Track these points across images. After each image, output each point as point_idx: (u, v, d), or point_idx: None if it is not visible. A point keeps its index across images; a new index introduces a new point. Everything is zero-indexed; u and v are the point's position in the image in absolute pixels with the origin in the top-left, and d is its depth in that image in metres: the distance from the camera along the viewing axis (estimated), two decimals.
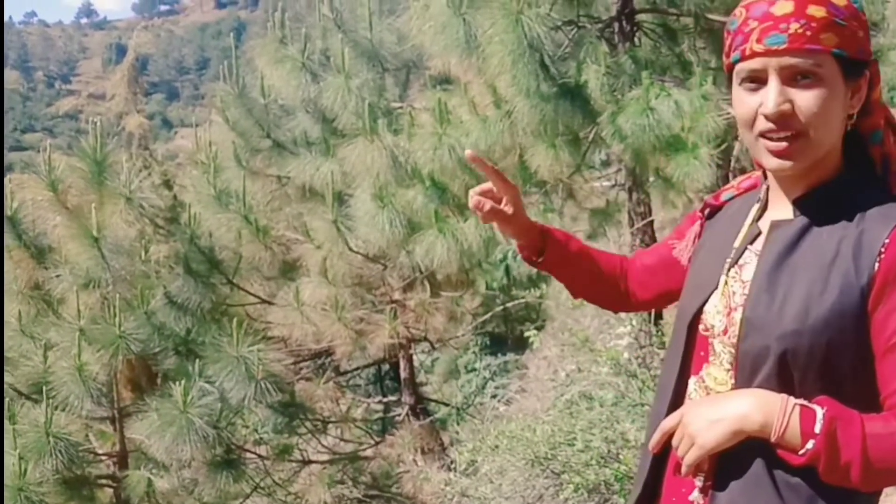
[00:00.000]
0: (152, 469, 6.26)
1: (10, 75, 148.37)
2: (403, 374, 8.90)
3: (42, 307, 6.32)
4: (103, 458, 6.62)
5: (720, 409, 1.41)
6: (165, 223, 6.94)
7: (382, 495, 8.20)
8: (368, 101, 6.38)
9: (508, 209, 1.87)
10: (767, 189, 1.58)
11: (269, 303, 7.54)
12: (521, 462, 4.86)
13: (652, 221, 6.71)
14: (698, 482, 1.53)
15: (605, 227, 8.78)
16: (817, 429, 1.32)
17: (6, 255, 6.28)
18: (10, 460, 5.46)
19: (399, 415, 8.90)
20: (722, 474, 1.49)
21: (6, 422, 5.52)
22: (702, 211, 1.78)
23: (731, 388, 1.50)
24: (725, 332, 1.52)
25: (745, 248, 1.56)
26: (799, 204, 1.49)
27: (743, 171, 6.00)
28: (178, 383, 5.86)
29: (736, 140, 6.15)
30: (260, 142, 7.68)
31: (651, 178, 6.54)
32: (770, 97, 1.40)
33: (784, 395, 1.37)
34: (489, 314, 9.90)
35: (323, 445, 8.46)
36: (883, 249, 1.37)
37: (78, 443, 5.90)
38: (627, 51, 6.06)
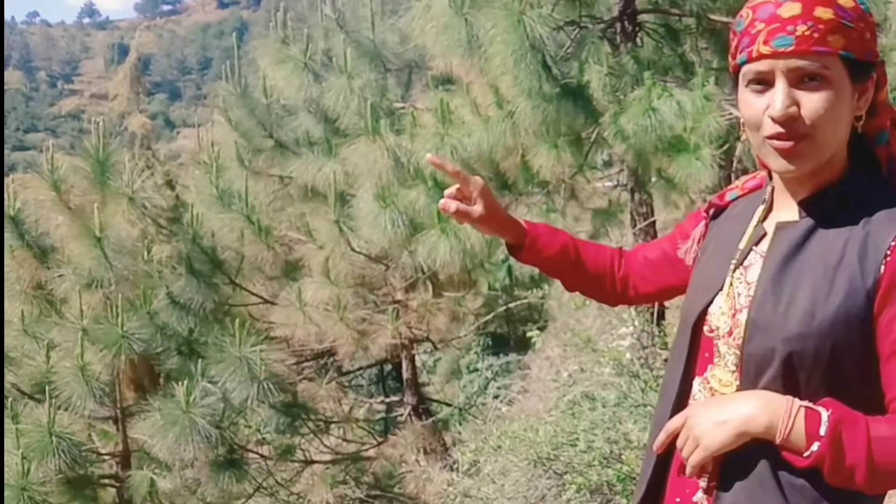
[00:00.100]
0: (155, 469, 6.26)
1: (13, 75, 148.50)
2: (406, 374, 8.90)
3: (45, 307, 6.32)
4: (106, 457, 6.62)
5: (725, 411, 1.41)
6: (168, 223, 6.94)
7: (385, 495, 8.20)
8: (371, 101, 6.37)
9: (477, 209, 1.90)
10: (773, 190, 1.58)
11: (272, 303, 7.55)
12: (523, 462, 4.87)
13: (654, 222, 6.70)
14: (702, 483, 1.52)
15: (608, 227, 8.78)
16: (822, 431, 1.32)
17: (9, 255, 6.27)
18: (13, 460, 5.47)
19: (401, 415, 8.90)
20: (726, 475, 1.48)
21: (9, 421, 5.52)
22: (706, 211, 1.77)
23: (736, 390, 1.50)
24: (730, 333, 1.52)
25: (751, 250, 1.56)
26: (805, 205, 1.49)
27: (745, 171, 5.99)
28: (180, 383, 5.86)
29: (738, 141, 6.13)
30: (262, 142, 7.69)
31: (653, 179, 6.54)
32: (777, 99, 1.39)
33: (789, 397, 1.37)
34: (491, 314, 9.90)
35: (325, 446, 8.45)
36: (889, 252, 1.37)
37: (81, 442, 5.90)
38: (629, 51, 6.05)
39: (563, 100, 5.57)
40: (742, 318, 1.49)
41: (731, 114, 5.49)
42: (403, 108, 7.11)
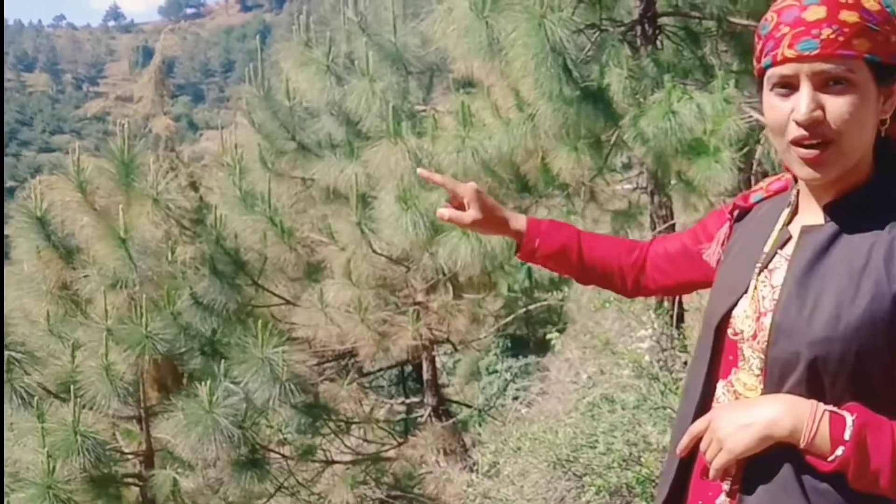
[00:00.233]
0: (178, 468, 6.27)
1: (40, 77, 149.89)
2: (426, 375, 8.90)
3: (70, 307, 6.32)
4: (130, 456, 6.63)
5: (749, 414, 1.40)
6: (191, 224, 6.96)
7: (405, 496, 8.19)
8: (392, 103, 6.38)
9: (470, 214, 1.99)
10: (798, 193, 1.57)
11: (294, 304, 7.56)
12: (543, 464, 4.86)
13: (674, 224, 6.67)
14: (725, 486, 1.51)
15: (627, 229, 8.75)
16: (847, 435, 1.31)
17: (35, 255, 6.30)
18: (38, 458, 5.48)
19: (421, 416, 8.90)
20: (750, 479, 1.47)
21: (35, 420, 5.55)
22: (730, 213, 1.76)
23: (760, 394, 1.48)
24: (755, 337, 1.51)
25: (776, 253, 1.54)
26: (830, 209, 1.47)
27: (765, 174, 5.96)
28: (203, 383, 5.87)
29: (758, 144, 6.10)
30: (285, 144, 7.72)
31: (673, 182, 6.51)
32: (802, 103, 1.38)
33: (813, 402, 1.36)
34: (511, 316, 9.88)
35: (346, 446, 8.46)
36: None
37: (105, 441, 5.91)
38: (649, 54, 6.03)
39: (583, 103, 5.56)
40: (766, 321, 1.47)
41: (750, 117, 5.47)
42: (425, 110, 7.12)
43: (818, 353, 1.38)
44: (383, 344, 7.40)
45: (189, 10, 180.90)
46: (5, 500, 5.49)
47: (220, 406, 5.88)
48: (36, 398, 5.72)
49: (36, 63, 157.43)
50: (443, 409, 8.92)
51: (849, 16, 1.36)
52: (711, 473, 1.45)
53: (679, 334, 5.82)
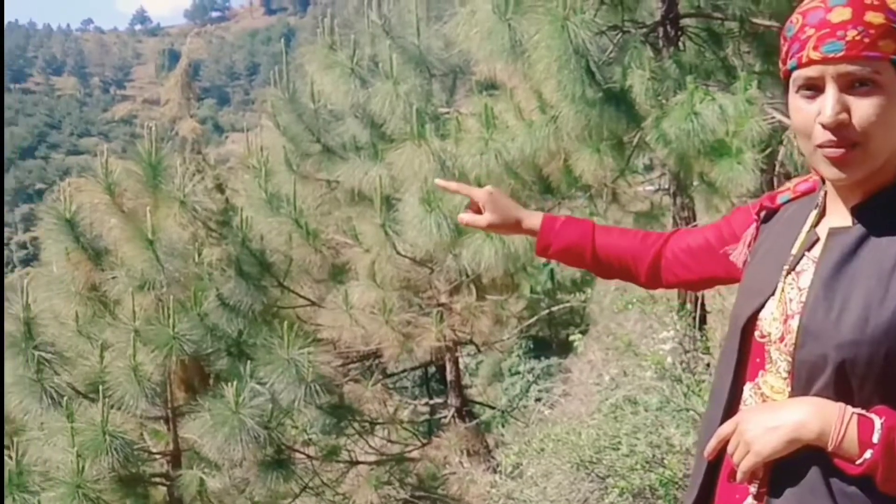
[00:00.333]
0: (204, 468, 6.28)
1: (68, 81, 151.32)
2: (449, 376, 8.91)
3: (99, 308, 6.33)
4: (157, 456, 6.65)
5: (777, 417, 1.40)
6: (218, 226, 6.97)
7: (429, 496, 8.19)
8: (416, 106, 6.39)
9: (485, 217, 2.10)
10: (825, 194, 1.55)
11: (319, 305, 7.58)
12: (566, 465, 4.85)
13: (696, 226, 6.65)
14: (753, 489, 1.50)
15: (650, 230, 8.71)
16: (875, 438, 1.30)
17: (64, 257, 6.34)
18: (68, 458, 5.51)
19: (445, 417, 8.91)
20: (777, 481, 1.46)
21: (64, 420, 5.59)
22: (757, 214, 1.74)
23: (788, 397, 1.47)
24: (782, 339, 1.49)
25: (803, 255, 1.53)
26: (857, 211, 1.46)
27: (787, 175, 5.93)
28: (230, 384, 5.88)
29: (781, 145, 6.07)
30: (310, 146, 7.75)
31: (695, 183, 6.49)
32: (827, 105, 1.37)
33: (841, 404, 1.35)
34: (535, 318, 9.88)
35: (371, 446, 8.47)
36: None
37: (133, 441, 5.93)
38: (672, 55, 6.01)
39: (605, 104, 5.55)
40: (794, 324, 1.46)
41: (773, 118, 5.44)
42: (448, 112, 7.13)
43: (846, 355, 1.36)
44: (407, 345, 7.41)
45: (214, 14, 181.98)
46: (37, 499, 5.52)
47: (246, 406, 5.88)
48: (65, 398, 5.75)
49: (64, 67, 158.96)
50: (466, 410, 8.93)
51: (874, 17, 1.35)
52: (739, 476, 1.44)
53: (702, 336, 5.80)
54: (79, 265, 6.27)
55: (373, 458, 8.38)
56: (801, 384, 1.44)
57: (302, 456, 7.45)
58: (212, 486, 6.29)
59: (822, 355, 1.39)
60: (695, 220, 6.66)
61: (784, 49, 1.47)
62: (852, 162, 1.39)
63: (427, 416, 9.75)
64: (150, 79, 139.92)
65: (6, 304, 6.12)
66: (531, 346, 13.92)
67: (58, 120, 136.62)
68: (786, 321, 1.49)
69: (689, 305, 6.03)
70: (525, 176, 6.55)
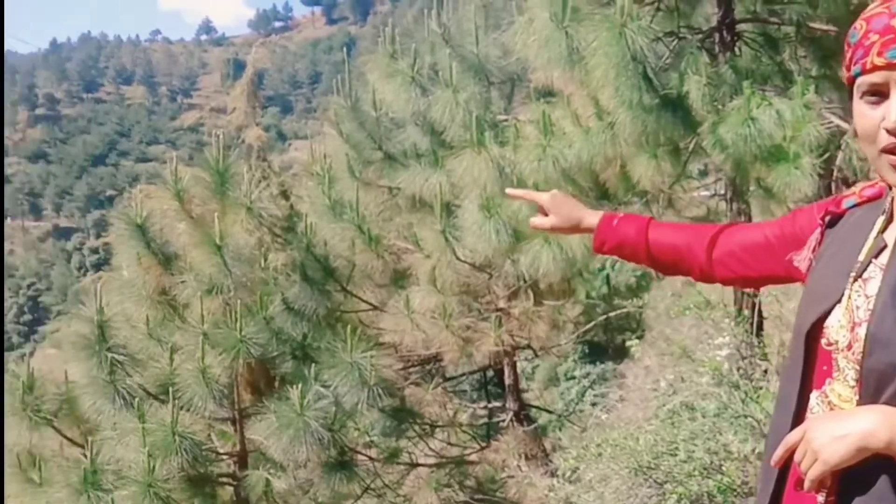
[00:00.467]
0: (270, 469, 6.32)
1: (137, 90, 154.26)
2: (508, 380, 8.90)
3: (168, 312, 6.41)
4: (224, 457, 6.70)
5: (845, 425, 1.37)
6: (283, 232, 7.04)
7: (487, 499, 8.18)
8: (475, 113, 6.41)
9: (549, 220, 2.18)
10: (893, 201, 1.53)
11: (381, 310, 7.61)
12: (624, 470, 4.83)
13: None
14: (820, 498, 1.48)
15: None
16: None
17: (135, 261, 6.40)
18: (139, 457, 5.59)
19: (503, 420, 8.90)
20: (845, 490, 1.44)
21: (136, 421, 5.67)
22: (822, 218, 1.71)
23: (856, 405, 1.45)
24: (850, 347, 1.47)
25: (870, 262, 1.51)
26: None
27: (845, 180, 5.85)
28: (295, 387, 5.93)
29: (838, 150, 5.98)
30: (372, 154, 7.80)
31: (752, 188, 6.42)
32: (892, 110, 1.36)
33: None
34: (592, 323, 9.84)
35: (431, 449, 8.48)
36: None
37: (201, 442, 6.00)
38: (728, 60, 5.97)
39: (662, 110, 5.53)
40: (861, 332, 1.44)
41: (831, 122, 5.37)
42: (506, 120, 7.14)
43: None
44: (467, 349, 7.43)
45: (277, 24, 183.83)
46: (110, 497, 5.62)
47: (310, 409, 5.92)
48: (137, 399, 5.83)
49: (134, 76, 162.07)
50: (524, 413, 8.92)
51: None
52: (806, 485, 1.42)
53: (759, 342, 5.72)
54: (149, 270, 6.35)
55: (432, 461, 8.39)
56: (870, 392, 1.42)
57: (364, 458, 7.47)
58: (277, 487, 6.32)
59: (891, 364, 1.37)
60: None
61: (848, 55, 1.46)
62: None
63: (485, 420, 9.74)
64: (215, 87, 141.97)
65: (81, 307, 6.25)
66: (586, 350, 13.87)
67: (127, 128, 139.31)
68: (853, 329, 1.47)
69: (746, 311, 5.97)
70: (582, 182, 6.54)
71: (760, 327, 6.12)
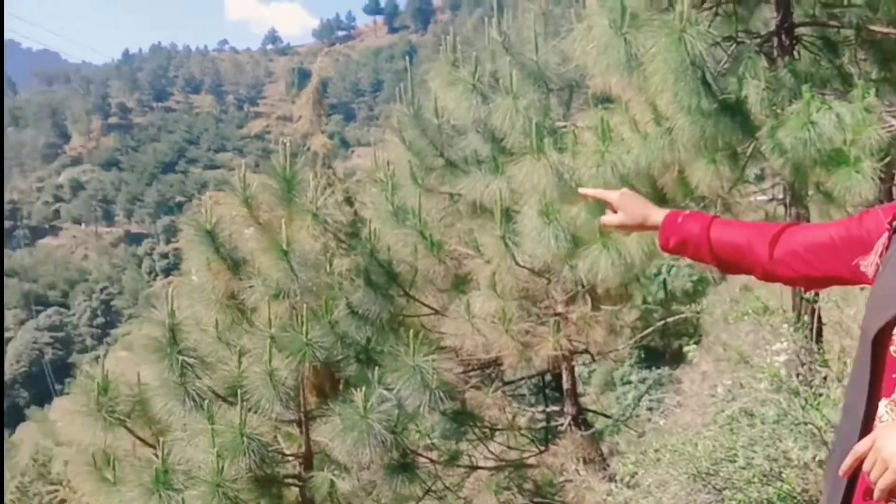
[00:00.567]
0: (334, 470, 6.34)
1: (205, 99, 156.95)
2: (566, 385, 8.87)
3: (237, 315, 6.48)
4: (290, 458, 6.74)
5: None
6: (347, 238, 7.07)
7: (546, 503, 8.17)
8: (535, 120, 6.41)
9: (619, 216, 2.20)
10: None
11: (443, 314, 7.62)
12: (682, 476, 4.79)
13: None
14: None
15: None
16: None
17: (205, 266, 6.47)
18: (209, 458, 5.67)
19: (561, 424, 8.87)
20: None
21: (205, 422, 5.74)
22: (890, 223, 1.68)
23: None
24: None
25: None
26: None
27: None
28: (359, 390, 5.96)
29: None
30: (434, 161, 7.82)
31: (811, 192, 6.33)
32: None
33: None
34: (651, 328, 9.75)
35: (490, 452, 8.46)
36: None
37: (268, 443, 6.05)
38: (787, 64, 5.89)
39: (720, 115, 5.48)
40: None
41: (892, 126, 5.28)
42: (565, 126, 7.13)
43: None
44: (526, 354, 7.42)
45: (340, 33, 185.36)
46: (181, 496, 5.69)
47: (374, 411, 5.93)
48: (206, 401, 5.91)
49: (202, 85, 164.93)
50: (581, 418, 8.88)
51: None
52: (876, 494, 1.40)
53: (819, 348, 5.62)
54: (218, 274, 6.43)
55: (492, 464, 8.36)
56: None
57: (425, 460, 7.45)
58: (341, 488, 6.34)
59: None
60: None
61: None
62: None
63: (543, 424, 9.71)
64: (280, 96, 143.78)
65: (152, 311, 6.34)
66: (643, 355, 13.76)
67: (196, 136, 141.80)
68: None
69: (805, 317, 5.88)
70: (640, 187, 6.49)
71: (820, 333, 6.01)
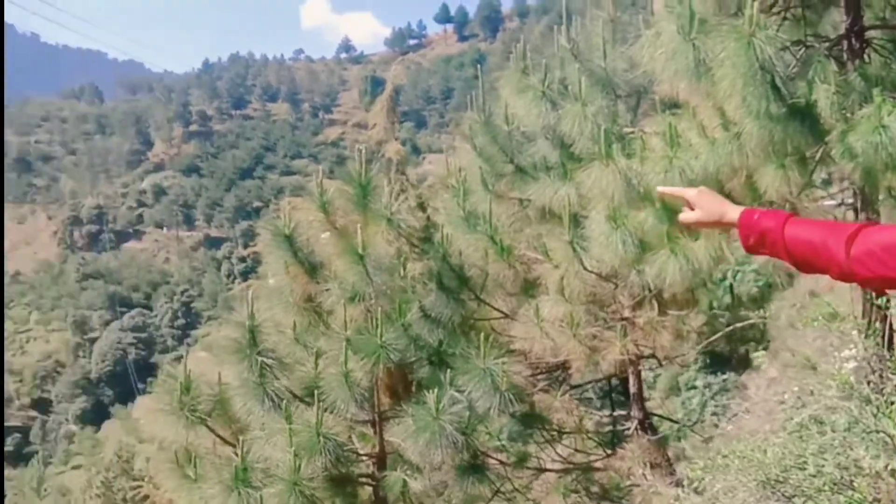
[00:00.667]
0: (407, 470, 6.38)
1: (282, 107, 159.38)
2: (632, 389, 8.79)
3: (314, 318, 6.57)
4: (364, 458, 6.79)
5: None
6: (420, 242, 7.11)
7: None
8: (603, 126, 6.39)
9: (696, 213, 2.19)
10: None
11: (512, 318, 7.62)
12: (751, 483, 4.71)
13: None
14: None
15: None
16: None
17: (283, 270, 6.57)
18: (286, 457, 5.75)
19: (627, 429, 8.80)
20: None
21: (283, 422, 5.82)
22: None
23: None
24: None
25: None
26: None
27: None
28: (431, 391, 5.99)
29: None
30: (504, 167, 7.84)
31: (881, 197, 6.19)
32: None
33: None
34: (718, 334, 9.61)
35: (557, 454, 8.43)
36: None
37: (343, 443, 6.11)
38: (857, 68, 5.77)
39: (789, 119, 5.41)
40: None
41: None
42: (633, 132, 7.09)
43: None
44: (593, 358, 7.39)
45: (412, 42, 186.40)
46: (259, 493, 5.76)
47: (446, 413, 5.96)
48: (284, 401, 5.99)
49: (279, 94, 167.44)
50: (647, 422, 8.79)
51: None
52: None
53: (891, 355, 5.48)
54: (296, 278, 6.53)
55: (559, 466, 8.34)
56: None
57: (495, 461, 7.45)
58: (413, 488, 6.37)
59: None
60: None
61: None
62: None
63: (610, 428, 9.65)
64: (353, 103, 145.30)
65: (232, 313, 6.46)
66: (708, 360, 13.56)
67: (273, 143, 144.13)
68: None
69: (877, 324, 5.74)
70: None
71: (892, 340, 5.86)
